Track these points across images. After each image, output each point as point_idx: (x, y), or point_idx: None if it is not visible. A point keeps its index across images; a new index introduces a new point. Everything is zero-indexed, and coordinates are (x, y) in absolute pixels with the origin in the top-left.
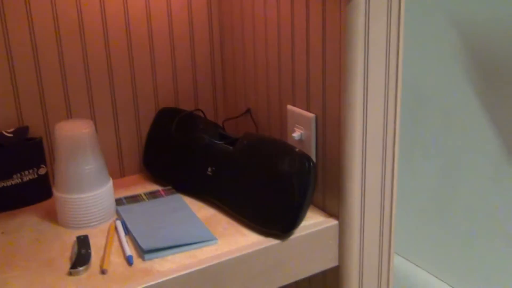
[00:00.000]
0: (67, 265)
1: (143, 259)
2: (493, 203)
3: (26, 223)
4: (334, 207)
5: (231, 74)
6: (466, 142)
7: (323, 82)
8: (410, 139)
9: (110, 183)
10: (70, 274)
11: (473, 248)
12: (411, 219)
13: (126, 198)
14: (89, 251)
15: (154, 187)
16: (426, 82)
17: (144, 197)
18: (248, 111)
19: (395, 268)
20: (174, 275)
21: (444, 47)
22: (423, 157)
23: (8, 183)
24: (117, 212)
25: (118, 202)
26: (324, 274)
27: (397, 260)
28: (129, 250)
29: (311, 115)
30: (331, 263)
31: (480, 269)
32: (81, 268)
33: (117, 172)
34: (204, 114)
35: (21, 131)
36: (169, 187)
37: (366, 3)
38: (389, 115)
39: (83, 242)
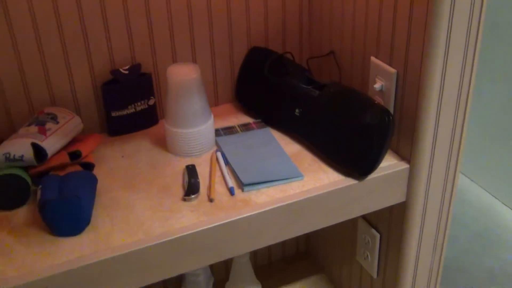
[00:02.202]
0: (180, 191)
1: (242, 190)
2: None
3: (140, 147)
4: (406, 151)
5: (317, 20)
6: None
7: (408, 38)
8: (478, 64)
9: (212, 119)
10: (184, 200)
11: None
12: (475, 141)
13: (223, 129)
14: (198, 180)
15: (246, 119)
16: (495, 7)
17: (238, 129)
18: (332, 52)
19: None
20: (270, 207)
21: None
22: (491, 81)
23: (124, 112)
24: (216, 142)
25: (217, 132)
26: (391, 208)
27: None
28: (231, 181)
29: (393, 70)
30: (399, 199)
31: None
32: (193, 196)
33: (212, 101)
34: (293, 56)
35: (135, 68)
36: (259, 120)
37: None
38: (465, 74)
39: (191, 171)
